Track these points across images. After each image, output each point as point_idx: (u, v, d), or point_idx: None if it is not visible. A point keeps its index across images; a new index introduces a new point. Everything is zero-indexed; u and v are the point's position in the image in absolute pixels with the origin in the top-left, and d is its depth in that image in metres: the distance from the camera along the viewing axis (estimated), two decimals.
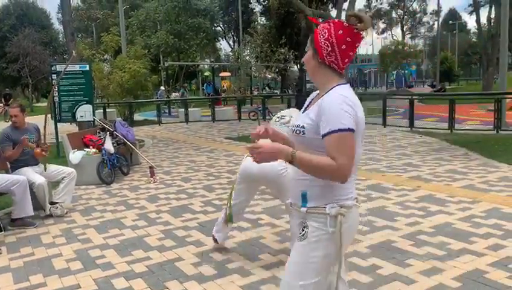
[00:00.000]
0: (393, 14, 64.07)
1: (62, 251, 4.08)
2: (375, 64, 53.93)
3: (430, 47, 67.63)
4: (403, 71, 42.69)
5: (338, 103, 1.80)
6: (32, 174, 5.00)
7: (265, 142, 1.92)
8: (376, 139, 10.40)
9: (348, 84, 1.92)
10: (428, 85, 44.66)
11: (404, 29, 64.02)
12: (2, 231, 4.56)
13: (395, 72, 42.46)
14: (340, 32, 1.85)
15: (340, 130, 1.77)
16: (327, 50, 1.87)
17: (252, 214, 4.93)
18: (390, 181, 6.21)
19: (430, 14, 65.86)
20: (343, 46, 1.85)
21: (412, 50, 42.39)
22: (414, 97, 13.62)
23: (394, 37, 60.38)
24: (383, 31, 66.94)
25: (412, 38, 66.53)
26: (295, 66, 33.12)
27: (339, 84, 1.89)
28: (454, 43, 58.76)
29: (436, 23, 53.15)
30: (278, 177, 3.43)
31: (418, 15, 65.78)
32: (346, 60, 1.89)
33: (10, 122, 5.35)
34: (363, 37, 1.88)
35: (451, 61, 44.72)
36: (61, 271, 3.61)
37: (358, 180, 6.27)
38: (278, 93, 30.55)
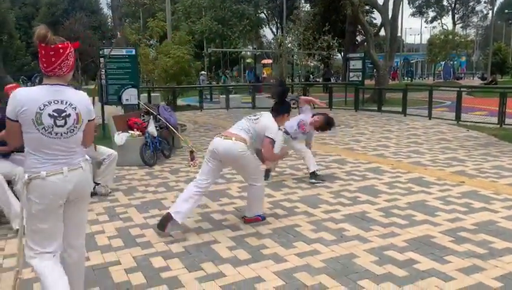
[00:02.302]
0: (444, 2, 61.42)
1: (105, 228, 4.26)
2: (423, 54, 52.16)
3: (482, 37, 64.52)
4: (451, 62, 41.03)
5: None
6: None
7: None
8: (420, 132, 10.11)
9: (44, 86, 2.41)
10: (478, 77, 42.80)
11: (455, 18, 61.26)
12: None
13: (443, 63, 40.90)
14: None
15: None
16: None
17: (288, 202, 4.95)
18: (433, 175, 6.04)
19: (484, 2, 62.66)
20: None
21: (462, 40, 40.58)
22: (462, 89, 13.07)
23: (444, 26, 58.02)
24: (432, 20, 64.35)
25: (463, 28, 63.65)
26: (339, 54, 32.55)
27: (41, 85, 2.44)
28: (509, 33, 55.77)
29: (490, 12, 50.56)
30: (239, 157, 3.98)
31: (471, 3, 62.71)
32: (45, 65, 2.38)
33: None
34: (43, 47, 2.35)
35: (505, 52, 42.48)
36: (103, 247, 3.78)
37: (400, 173, 6.14)
38: (320, 81, 30.19)
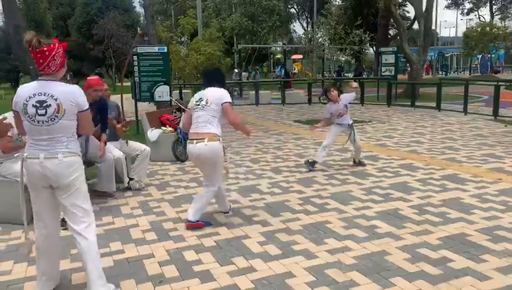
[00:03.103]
0: None
1: (139, 221, 4.36)
2: (458, 47, 50.60)
3: None
4: (489, 55, 39.57)
5: None
6: (113, 149, 5.33)
7: None
8: (455, 127, 9.83)
9: (35, 81, 2.76)
10: None
11: (493, 9, 58.96)
12: None
13: (480, 56, 39.49)
14: None
15: None
16: None
17: (319, 199, 4.93)
18: (468, 172, 5.88)
19: None
20: None
21: (501, 32, 39.03)
22: (500, 83, 12.61)
23: (481, 18, 56.03)
24: (469, 12, 62.16)
25: (501, 19, 61.17)
26: (371, 49, 32.01)
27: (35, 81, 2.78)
28: None
29: None
30: (214, 158, 4.03)
31: None
32: (37, 66, 2.71)
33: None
34: (31, 50, 2.66)
35: None
36: (137, 240, 3.88)
37: (433, 170, 6.01)
38: (351, 76, 29.77)
